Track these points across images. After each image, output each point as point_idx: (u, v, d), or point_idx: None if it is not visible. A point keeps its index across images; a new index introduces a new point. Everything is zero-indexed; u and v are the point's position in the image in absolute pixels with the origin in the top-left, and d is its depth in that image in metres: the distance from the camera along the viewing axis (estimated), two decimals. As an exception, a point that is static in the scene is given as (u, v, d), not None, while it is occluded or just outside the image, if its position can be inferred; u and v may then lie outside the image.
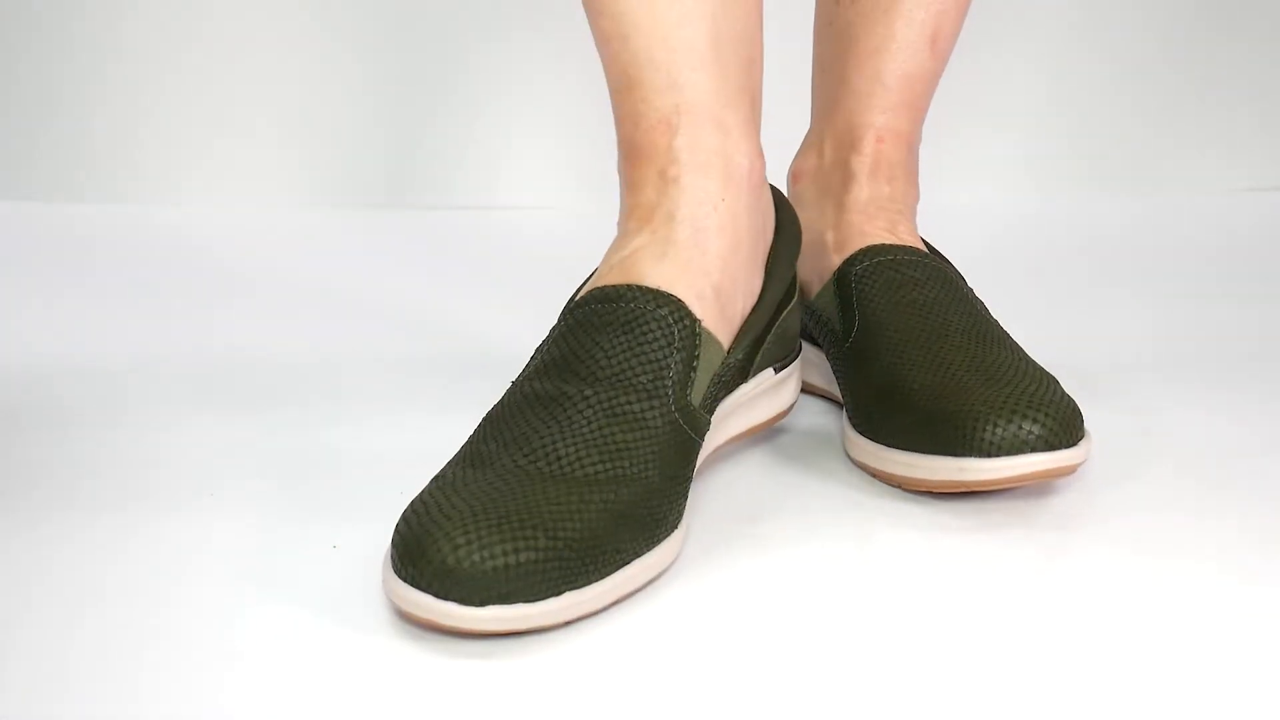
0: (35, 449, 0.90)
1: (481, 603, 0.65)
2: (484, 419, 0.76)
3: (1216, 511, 0.81)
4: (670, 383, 0.75)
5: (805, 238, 0.93)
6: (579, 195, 1.36)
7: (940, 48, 0.92)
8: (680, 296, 0.77)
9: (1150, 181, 1.43)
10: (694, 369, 0.76)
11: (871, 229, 0.91)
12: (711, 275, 0.78)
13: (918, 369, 0.82)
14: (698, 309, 0.77)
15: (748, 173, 0.80)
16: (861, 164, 0.92)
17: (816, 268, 0.92)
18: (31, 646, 0.68)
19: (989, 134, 1.44)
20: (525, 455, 0.72)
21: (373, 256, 1.31)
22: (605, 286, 0.78)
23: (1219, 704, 0.63)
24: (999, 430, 0.77)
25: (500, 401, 0.77)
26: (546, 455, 0.72)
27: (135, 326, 1.14)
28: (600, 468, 0.71)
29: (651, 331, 0.76)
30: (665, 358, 0.76)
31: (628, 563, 0.70)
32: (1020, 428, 0.77)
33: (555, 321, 0.80)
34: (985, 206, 1.38)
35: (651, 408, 0.74)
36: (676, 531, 0.74)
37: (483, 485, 0.70)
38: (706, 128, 0.79)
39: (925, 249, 0.92)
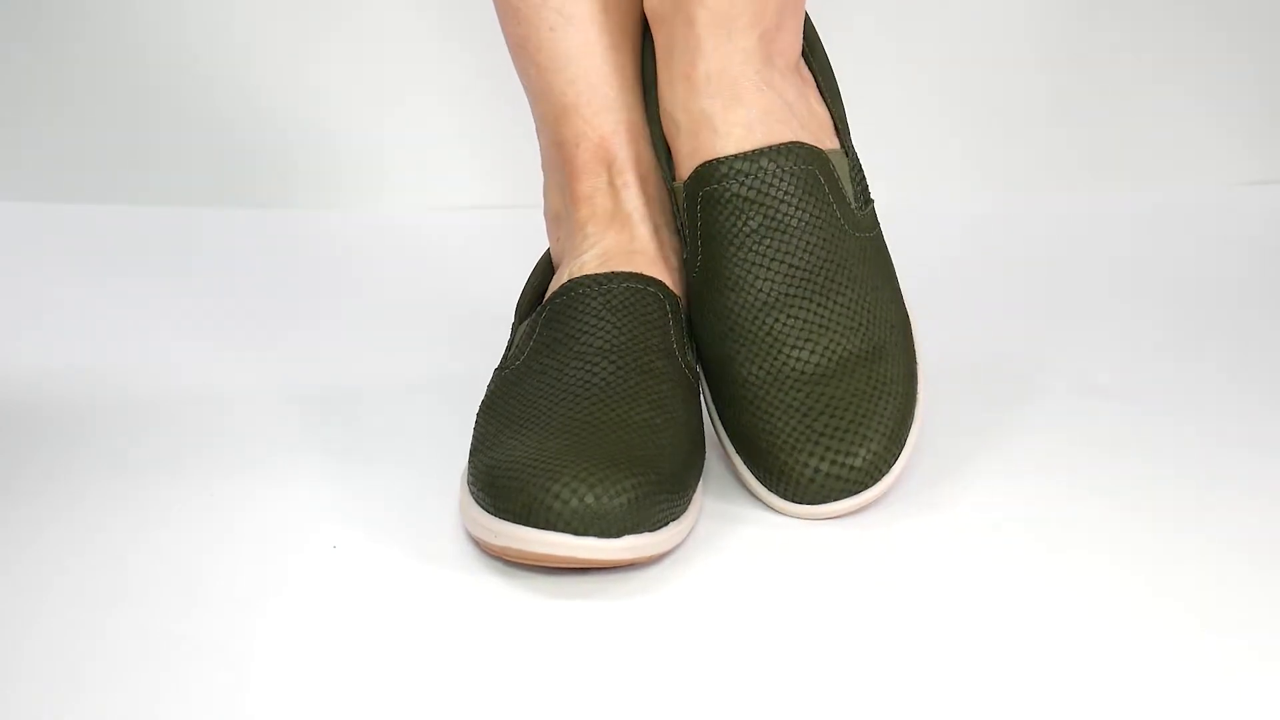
0: (36, 449, 0.90)
1: (618, 534, 0.71)
2: (494, 397, 0.81)
3: (1215, 512, 0.80)
4: (674, 345, 0.82)
5: (661, 107, 0.84)
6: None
7: None
8: (659, 279, 0.84)
9: (1152, 175, 1.42)
10: (684, 335, 0.83)
11: (725, 121, 0.81)
12: (671, 262, 0.85)
13: (748, 358, 0.81)
14: (674, 289, 0.85)
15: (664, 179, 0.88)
16: (705, 10, 0.80)
17: (676, 151, 0.84)
18: (43, 651, 0.68)
19: (987, 130, 1.43)
20: (578, 413, 0.77)
21: (350, 259, 1.31)
22: (591, 275, 0.83)
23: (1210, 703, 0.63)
24: (805, 472, 0.77)
25: (506, 380, 0.82)
26: (599, 411, 0.77)
27: (137, 327, 1.14)
28: (650, 414, 0.77)
29: (649, 306, 0.82)
30: (666, 326, 0.82)
31: (693, 494, 0.77)
32: (824, 471, 0.77)
33: (516, 313, 0.89)
34: (985, 203, 1.38)
35: (670, 363, 0.81)
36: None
37: (560, 439, 0.75)
38: (640, 141, 0.86)
39: (796, 133, 0.81)
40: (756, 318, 0.80)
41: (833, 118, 0.85)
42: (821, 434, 0.78)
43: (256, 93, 1.41)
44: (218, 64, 1.41)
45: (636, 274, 0.83)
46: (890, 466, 0.78)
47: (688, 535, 0.76)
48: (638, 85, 0.86)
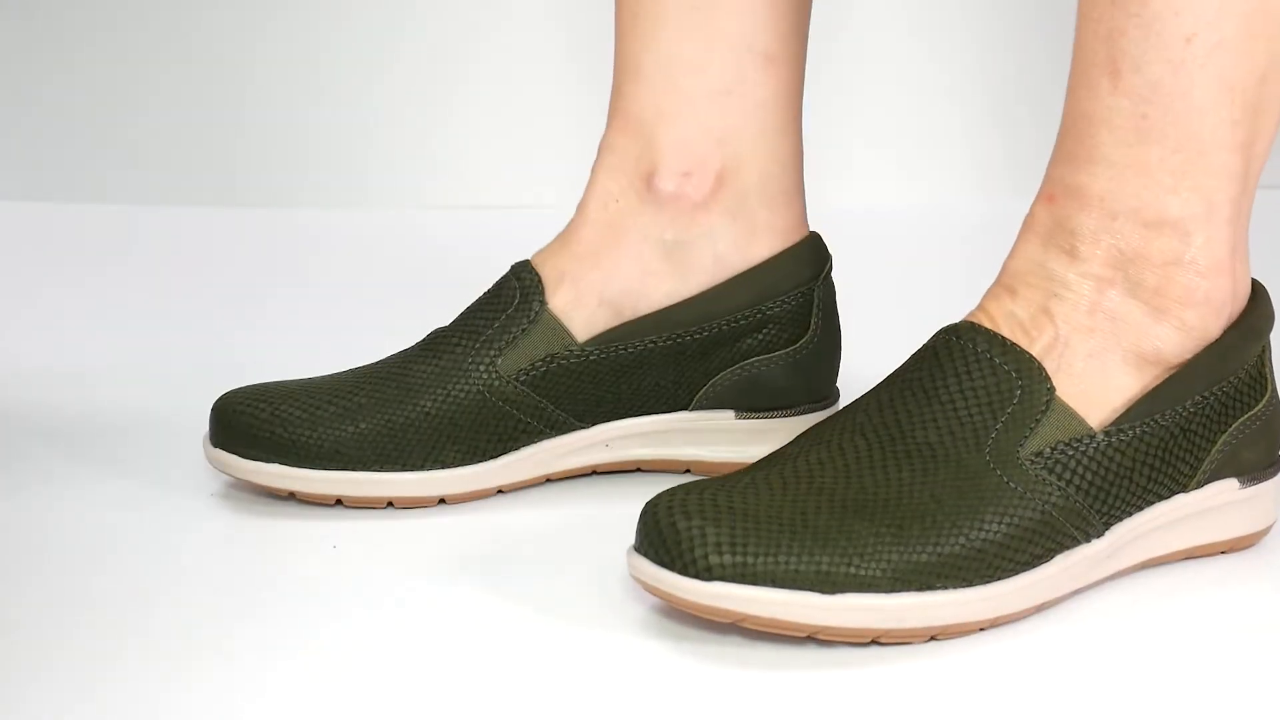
0: (33, 449, 0.90)
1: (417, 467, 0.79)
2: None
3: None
4: (484, 336, 0.81)
5: None
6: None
7: (1129, 83, 0.69)
8: (542, 274, 0.82)
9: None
10: (514, 336, 0.80)
11: (993, 304, 0.72)
12: (581, 262, 0.82)
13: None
14: (553, 288, 0.81)
15: (661, 182, 0.82)
16: (1029, 221, 0.73)
17: None
18: (42, 652, 0.67)
19: (988, 132, 1.42)
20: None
21: (361, 259, 1.31)
22: None
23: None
24: None
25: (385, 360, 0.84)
26: (401, 394, 0.80)
27: (135, 327, 1.14)
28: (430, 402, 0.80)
29: (501, 295, 0.82)
30: (493, 315, 0.81)
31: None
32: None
33: None
34: (991, 206, 1.37)
35: (470, 351, 0.81)
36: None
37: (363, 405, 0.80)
38: (628, 134, 0.83)
39: (1032, 362, 0.69)
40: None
41: None
42: None
43: (257, 92, 1.42)
44: (217, 63, 1.41)
45: (522, 262, 0.82)
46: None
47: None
48: (642, 77, 0.82)
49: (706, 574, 0.64)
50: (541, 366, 0.80)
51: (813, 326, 0.84)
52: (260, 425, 0.79)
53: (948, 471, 0.67)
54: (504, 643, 0.67)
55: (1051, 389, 0.68)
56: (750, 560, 0.64)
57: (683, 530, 0.64)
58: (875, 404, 0.70)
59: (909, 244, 1.17)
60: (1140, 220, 0.70)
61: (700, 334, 0.82)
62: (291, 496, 0.80)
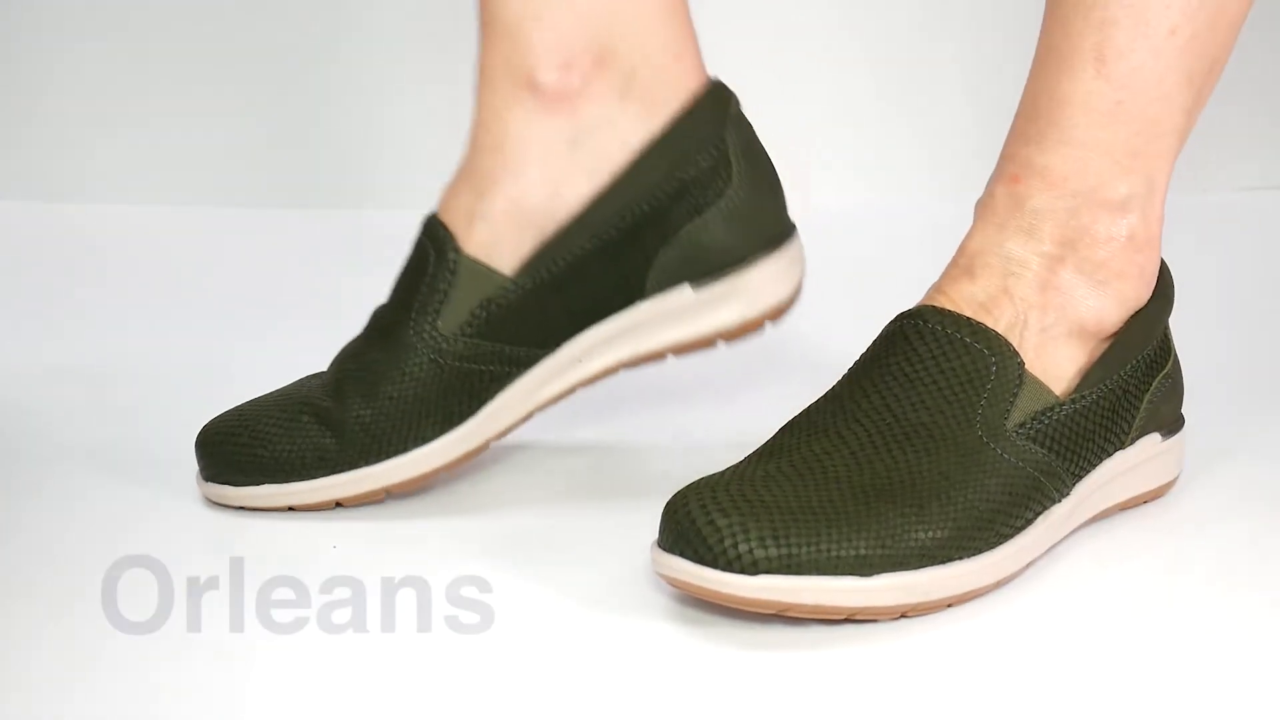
0: (33, 448, 0.90)
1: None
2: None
3: (1217, 518, 0.81)
4: (415, 304, 0.79)
5: None
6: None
7: (1113, 69, 0.74)
8: (451, 220, 0.79)
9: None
10: (442, 295, 0.79)
11: (952, 287, 0.76)
12: (486, 194, 0.79)
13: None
14: (466, 233, 0.79)
15: (541, 78, 0.79)
16: (987, 202, 0.77)
17: None
18: (40, 652, 0.67)
19: (990, 131, 1.43)
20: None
21: (361, 259, 1.28)
22: None
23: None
24: None
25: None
26: (364, 389, 0.80)
27: (135, 327, 1.13)
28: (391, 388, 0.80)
29: (418, 257, 0.80)
30: (417, 280, 0.79)
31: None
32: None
33: None
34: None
35: (407, 323, 0.79)
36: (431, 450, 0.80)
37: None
38: (497, 42, 0.79)
39: (1006, 344, 0.73)
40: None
41: None
42: None
43: (259, 92, 1.38)
44: (219, 63, 1.38)
45: (430, 215, 0.80)
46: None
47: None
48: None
49: (753, 568, 0.66)
50: (481, 314, 0.79)
51: (735, 173, 0.81)
52: (241, 450, 0.79)
53: (948, 449, 0.71)
54: (508, 640, 0.68)
55: (1021, 363, 0.74)
56: (794, 551, 0.67)
57: (723, 527, 0.67)
58: (860, 391, 0.74)
59: (896, 242, 1.21)
60: (1094, 200, 0.75)
61: (623, 224, 0.79)
62: (291, 510, 0.80)
